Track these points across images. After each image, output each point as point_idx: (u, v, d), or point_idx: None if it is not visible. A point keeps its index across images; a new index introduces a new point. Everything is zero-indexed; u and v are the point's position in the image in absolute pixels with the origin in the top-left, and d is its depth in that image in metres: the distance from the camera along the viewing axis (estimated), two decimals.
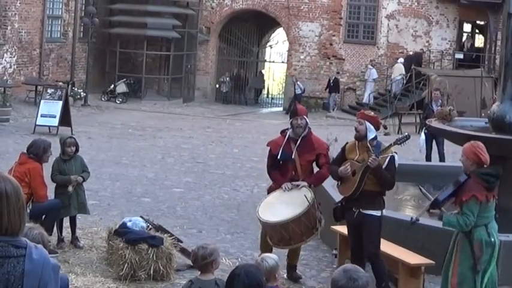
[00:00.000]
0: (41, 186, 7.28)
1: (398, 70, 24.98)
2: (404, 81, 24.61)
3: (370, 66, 25.89)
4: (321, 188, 8.91)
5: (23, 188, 6.50)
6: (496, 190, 5.63)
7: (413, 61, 25.15)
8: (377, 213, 6.33)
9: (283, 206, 6.59)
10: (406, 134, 6.59)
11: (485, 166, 5.57)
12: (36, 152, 7.32)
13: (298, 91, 26.10)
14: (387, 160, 6.21)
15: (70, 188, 7.49)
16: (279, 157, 6.85)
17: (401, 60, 25.35)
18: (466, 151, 5.62)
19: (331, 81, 25.82)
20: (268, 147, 7.10)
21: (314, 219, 6.56)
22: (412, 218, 5.91)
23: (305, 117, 6.92)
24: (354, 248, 6.54)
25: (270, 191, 7.04)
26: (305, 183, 6.74)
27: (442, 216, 5.60)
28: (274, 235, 6.58)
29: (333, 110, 25.25)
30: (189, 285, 4.40)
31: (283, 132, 7.08)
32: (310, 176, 6.94)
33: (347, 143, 6.63)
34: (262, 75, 31.90)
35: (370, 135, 6.29)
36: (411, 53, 25.81)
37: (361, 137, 6.34)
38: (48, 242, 3.54)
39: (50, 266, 2.50)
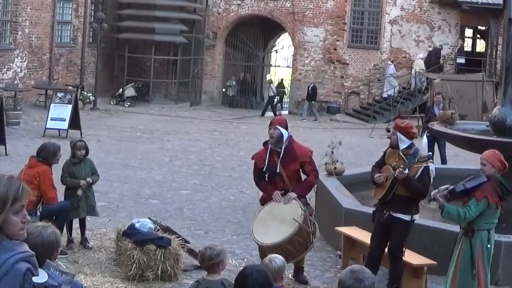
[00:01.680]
0: (50, 189, 7.32)
1: (418, 66, 24.92)
2: (424, 78, 24.51)
3: (389, 62, 25.87)
4: (325, 190, 9.07)
5: (32, 191, 6.64)
6: (504, 203, 5.75)
7: (433, 56, 25.20)
8: (406, 217, 6.35)
9: (276, 224, 6.56)
10: (430, 153, 6.99)
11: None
12: (47, 156, 7.37)
13: (271, 93, 26.75)
14: (420, 170, 6.26)
15: (79, 192, 7.60)
16: (264, 169, 6.77)
17: (421, 55, 25.31)
18: (490, 159, 5.76)
19: (310, 88, 25.60)
20: (253, 161, 7.01)
21: (308, 234, 6.57)
22: (430, 195, 5.93)
23: (278, 127, 6.72)
24: (374, 249, 6.56)
25: (262, 201, 7.00)
26: (295, 195, 6.69)
27: (444, 205, 5.69)
28: (270, 253, 6.66)
29: (306, 118, 24.92)
30: (196, 286, 4.42)
31: (265, 143, 6.94)
32: (298, 186, 6.85)
33: (389, 147, 6.68)
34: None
35: (402, 145, 6.39)
36: (431, 49, 25.72)
37: (394, 146, 6.48)
38: (60, 240, 3.62)
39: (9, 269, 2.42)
